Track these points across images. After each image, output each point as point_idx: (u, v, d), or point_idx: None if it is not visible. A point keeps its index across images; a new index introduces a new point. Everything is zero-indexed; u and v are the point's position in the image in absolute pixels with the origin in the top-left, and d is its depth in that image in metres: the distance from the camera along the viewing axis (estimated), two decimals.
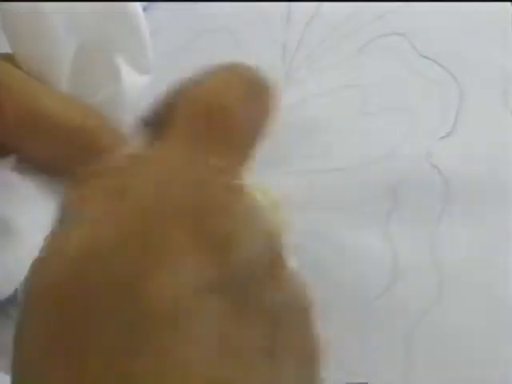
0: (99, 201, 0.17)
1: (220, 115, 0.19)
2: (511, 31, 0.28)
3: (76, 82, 0.27)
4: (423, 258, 0.25)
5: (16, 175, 0.26)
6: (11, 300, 0.26)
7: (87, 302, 0.15)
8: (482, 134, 0.27)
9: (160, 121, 0.19)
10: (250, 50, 0.30)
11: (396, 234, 0.26)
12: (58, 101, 0.26)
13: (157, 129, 0.19)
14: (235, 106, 0.19)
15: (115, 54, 0.27)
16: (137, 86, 0.28)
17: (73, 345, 0.15)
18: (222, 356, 0.15)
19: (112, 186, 0.17)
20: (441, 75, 0.28)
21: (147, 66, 0.28)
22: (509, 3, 0.29)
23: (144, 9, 0.31)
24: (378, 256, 0.25)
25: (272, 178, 0.27)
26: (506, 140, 0.27)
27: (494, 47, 0.28)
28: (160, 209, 0.16)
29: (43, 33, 0.26)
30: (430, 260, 0.25)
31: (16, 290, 0.26)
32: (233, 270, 0.16)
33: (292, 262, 0.19)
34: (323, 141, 0.28)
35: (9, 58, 0.27)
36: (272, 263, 0.17)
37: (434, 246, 0.25)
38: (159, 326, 0.15)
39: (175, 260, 0.15)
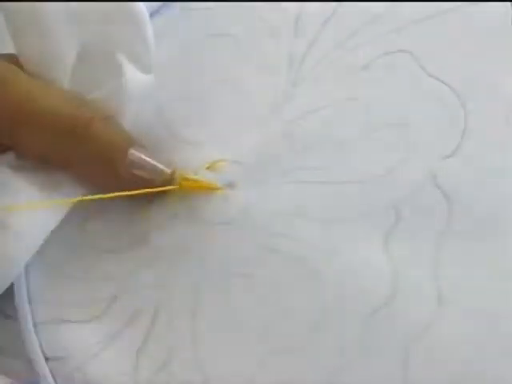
0: None
1: None
2: None
3: (78, 78, 0.28)
4: (423, 273, 0.25)
5: (13, 172, 0.26)
6: (6, 298, 0.26)
7: None
8: (486, 154, 0.27)
9: None
10: (255, 59, 0.31)
11: (396, 249, 0.26)
12: (54, 93, 0.27)
13: None
14: None
15: (118, 52, 0.28)
16: (138, 83, 0.28)
17: None
18: None
19: None
20: (446, 94, 0.29)
21: (149, 65, 0.29)
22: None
23: (154, 12, 0.31)
24: (378, 270, 0.26)
25: (272, 187, 0.28)
26: (509, 161, 0.27)
27: (500, 67, 0.29)
28: None
29: (46, 32, 0.27)
30: (430, 275, 0.25)
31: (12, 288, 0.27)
32: None
33: None
34: (325, 154, 0.28)
35: (12, 58, 0.27)
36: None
37: (435, 262, 0.26)
38: None
39: None
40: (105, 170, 0.27)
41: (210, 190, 0.28)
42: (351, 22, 0.31)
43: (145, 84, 0.28)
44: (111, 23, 0.28)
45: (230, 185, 0.28)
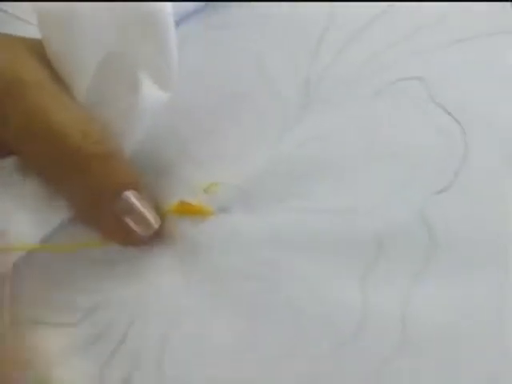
0: None
1: None
2: None
3: (97, 89, 0.28)
4: (393, 312, 0.25)
5: (16, 176, 0.27)
6: None
7: None
8: (480, 194, 0.27)
9: None
10: (272, 78, 0.30)
11: (372, 285, 0.26)
12: (64, 113, 0.26)
13: None
14: None
15: (139, 67, 0.27)
16: (155, 102, 0.28)
17: None
18: None
19: None
20: (450, 127, 0.28)
21: (171, 83, 0.28)
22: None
23: (177, 23, 0.31)
24: (350, 302, 0.26)
25: (265, 214, 0.28)
26: (504, 204, 0.26)
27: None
28: None
29: (73, 36, 0.27)
30: (399, 314, 0.25)
31: None
32: None
33: None
34: (322, 183, 0.28)
35: (40, 45, 0.27)
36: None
37: (406, 302, 0.25)
38: None
39: None
40: (91, 209, 0.27)
41: (202, 215, 0.28)
42: (372, 46, 0.30)
43: (161, 101, 0.28)
44: (136, 37, 0.28)
45: (224, 209, 0.28)
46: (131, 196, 0.27)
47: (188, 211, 0.28)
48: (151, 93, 0.28)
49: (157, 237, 0.28)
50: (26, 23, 0.32)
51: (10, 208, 0.27)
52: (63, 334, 0.27)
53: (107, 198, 0.26)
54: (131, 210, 0.27)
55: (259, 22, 0.31)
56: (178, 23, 0.31)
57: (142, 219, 0.27)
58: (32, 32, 0.29)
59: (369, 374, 0.25)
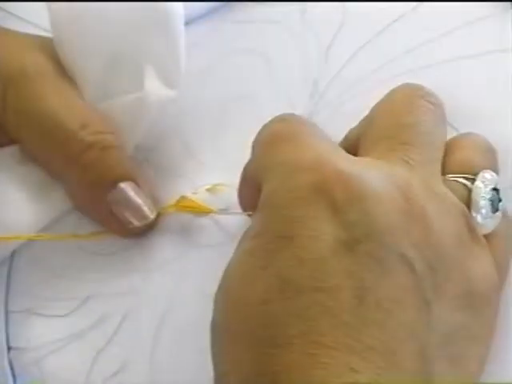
0: None
1: None
2: None
3: (104, 84, 0.28)
4: None
5: (17, 165, 0.27)
6: None
7: None
8: None
9: None
10: (281, 81, 0.30)
11: None
12: (64, 104, 0.27)
13: None
14: None
15: (147, 65, 0.28)
16: (161, 100, 0.28)
17: None
18: None
19: None
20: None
21: (177, 81, 0.29)
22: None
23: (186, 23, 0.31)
24: None
25: None
26: None
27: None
28: None
29: (82, 30, 0.27)
30: None
31: None
32: None
33: None
34: None
35: (48, 42, 0.28)
36: None
37: None
38: None
39: None
40: (89, 198, 0.27)
41: (203, 212, 0.28)
42: (382, 55, 0.30)
43: (166, 99, 0.28)
44: (147, 35, 0.28)
45: (225, 209, 0.28)
46: (127, 187, 0.27)
47: (189, 207, 0.28)
48: (157, 90, 0.28)
49: (153, 228, 0.28)
50: (26, 22, 0.32)
51: (10, 196, 0.27)
52: (58, 324, 0.27)
53: (103, 188, 0.27)
54: (127, 201, 0.27)
55: (268, 23, 0.32)
56: (186, 24, 0.31)
57: (137, 210, 0.27)
58: (32, 31, 0.29)
59: None
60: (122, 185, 0.27)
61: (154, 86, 0.28)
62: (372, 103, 0.28)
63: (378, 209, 0.20)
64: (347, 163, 0.21)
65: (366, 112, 0.28)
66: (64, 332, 0.27)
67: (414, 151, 0.23)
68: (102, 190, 0.27)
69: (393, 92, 0.25)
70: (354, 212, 0.20)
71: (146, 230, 0.28)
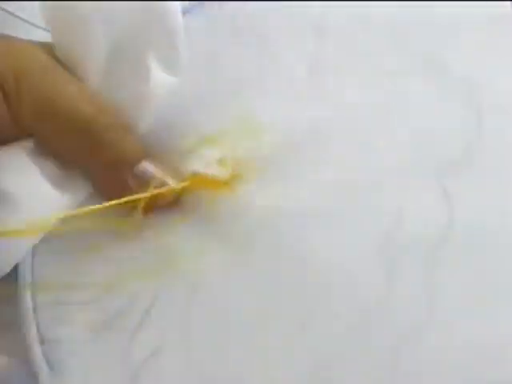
0: None
1: None
2: None
3: (107, 76, 0.28)
4: (417, 276, 0.26)
5: (27, 156, 0.27)
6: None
7: None
8: (497, 163, 0.28)
9: None
10: (278, 58, 0.31)
11: (392, 252, 0.26)
12: (76, 93, 0.27)
13: None
14: None
15: (148, 53, 0.28)
16: (164, 88, 0.28)
17: None
18: None
19: None
20: (464, 100, 0.28)
21: (178, 68, 0.29)
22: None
23: (185, 12, 0.32)
24: (373, 271, 0.26)
25: (283, 185, 0.28)
26: None
27: None
28: None
29: (81, 27, 0.27)
30: (423, 279, 0.26)
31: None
32: None
33: None
34: (340, 152, 0.28)
35: (48, 47, 0.28)
36: None
37: (429, 267, 0.26)
38: None
39: None
40: (114, 178, 0.27)
41: (219, 185, 0.28)
42: (384, 27, 0.30)
43: (170, 86, 0.29)
44: (144, 23, 0.28)
45: (240, 180, 0.28)
46: (150, 163, 0.27)
47: (203, 183, 0.28)
48: (161, 78, 0.28)
49: (175, 204, 0.28)
50: (26, 23, 0.33)
51: (37, 189, 0.27)
52: (87, 312, 0.27)
53: (128, 165, 0.27)
54: (151, 176, 0.27)
55: (260, 10, 0.32)
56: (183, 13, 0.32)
57: (162, 184, 0.27)
58: (32, 31, 0.30)
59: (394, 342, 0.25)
60: (145, 161, 0.27)
61: (158, 75, 0.28)
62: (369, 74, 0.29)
63: None
64: None
65: (366, 83, 0.29)
66: (95, 318, 0.26)
67: None
68: (127, 168, 0.27)
69: None
70: None
71: (170, 205, 0.28)
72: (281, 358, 0.25)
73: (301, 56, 0.30)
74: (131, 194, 0.27)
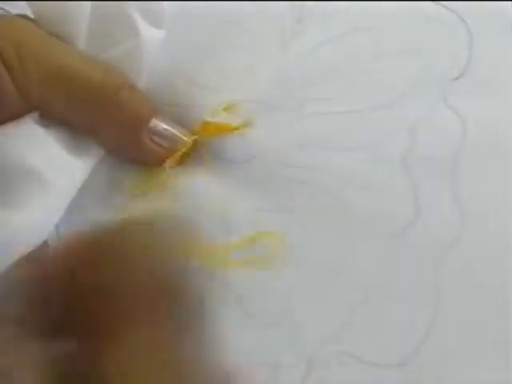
0: None
1: None
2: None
3: (93, 39, 0.28)
4: (444, 191, 0.26)
5: (40, 128, 0.27)
6: None
7: None
8: (495, 73, 0.28)
9: None
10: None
11: (415, 171, 0.27)
12: (80, 58, 0.27)
13: None
14: None
15: (130, 9, 0.28)
16: (153, 40, 0.28)
17: None
18: None
19: None
20: (451, 19, 0.29)
21: (161, 20, 0.29)
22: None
23: None
24: (401, 193, 0.27)
25: (290, 121, 0.28)
26: None
27: None
28: None
29: None
30: (450, 193, 0.26)
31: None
32: None
33: None
34: (338, 83, 0.29)
35: (31, 20, 0.27)
36: None
37: (455, 183, 0.26)
38: None
39: None
40: (128, 137, 0.27)
41: (229, 131, 0.28)
42: None
43: (158, 39, 0.29)
44: None
45: (249, 124, 0.28)
46: (161, 119, 0.28)
47: (214, 130, 0.28)
48: (148, 32, 0.28)
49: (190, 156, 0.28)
50: None
51: (53, 158, 0.26)
52: None
53: (142, 122, 0.27)
54: (165, 131, 0.28)
55: None
56: None
57: (175, 137, 0.28)
58: None
59: (433, 257, 0.26)
60: (157, 117, 0.27)
61: (145, 30, 0.28)
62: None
63: None
64: None
65: (352, 9, 0.29)
66: None
67: None
68: (140, 125, 0.27)
69: None
70: None
71: (184, 159, 0.28)
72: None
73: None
74: (148, 151, 0.27)
